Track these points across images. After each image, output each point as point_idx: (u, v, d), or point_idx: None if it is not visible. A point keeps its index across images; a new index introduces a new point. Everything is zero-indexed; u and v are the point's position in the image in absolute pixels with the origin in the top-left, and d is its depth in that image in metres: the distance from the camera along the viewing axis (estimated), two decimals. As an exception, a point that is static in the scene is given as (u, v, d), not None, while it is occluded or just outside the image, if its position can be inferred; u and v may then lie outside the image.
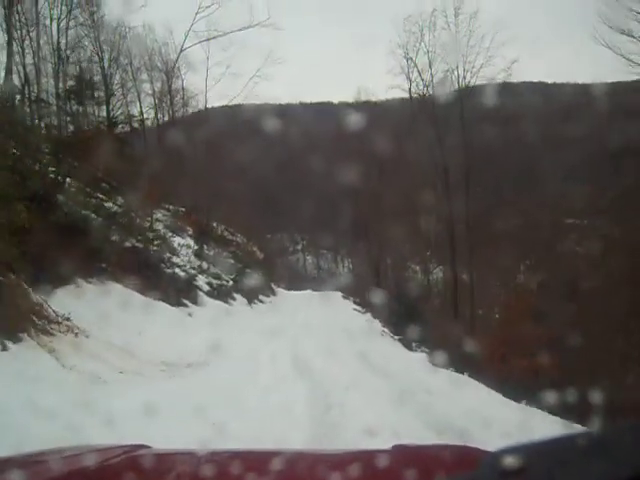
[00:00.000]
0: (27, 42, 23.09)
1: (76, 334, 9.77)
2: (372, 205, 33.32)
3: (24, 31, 22.99)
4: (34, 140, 15.42)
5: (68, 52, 24.57)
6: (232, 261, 27.05)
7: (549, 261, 27.23)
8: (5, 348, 7.61)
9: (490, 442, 0.96)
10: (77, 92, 24.33)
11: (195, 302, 19.37)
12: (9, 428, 4.82)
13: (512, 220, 31.63)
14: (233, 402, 7.64)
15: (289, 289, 38.61)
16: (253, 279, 26.82)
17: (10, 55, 20.23)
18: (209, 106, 31.48)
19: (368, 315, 26.69)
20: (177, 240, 22.85)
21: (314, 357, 13.16)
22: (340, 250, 55.64)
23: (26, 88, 22.71)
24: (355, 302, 31.22)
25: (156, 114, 30.91)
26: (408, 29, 31.01)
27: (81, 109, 25.22)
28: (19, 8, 22.34)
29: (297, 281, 44.89)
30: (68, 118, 24.09)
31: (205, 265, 23.37)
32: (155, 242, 19.74)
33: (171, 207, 25.82)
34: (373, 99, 37.15)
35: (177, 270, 19.81)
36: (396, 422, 7.05)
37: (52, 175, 14.57)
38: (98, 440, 3.63)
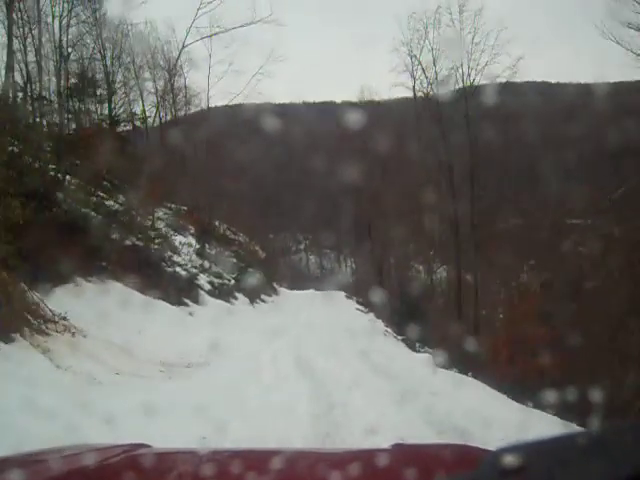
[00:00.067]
0: (29, 40, 23.07)
1: (73, 334, 9.62)
2: (375, 204, 33.22)
3: (26, 29, 22.95)
4: (35, 138, 15.33)
5: (70, 50, 24.49)
6: (234, 260, 26.93)
7: (552, 261, 27.10)
8: (-4, 348, 7.46)
9: (493, 444, 0.88)
10: (79, 90, 24.24)
11: (196, 301, 19.24)
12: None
13: (514, 220, 31.56)
14: (234, 403, 7.53)
15: (291, 288, 38.54)
16: (255, 278, 26.69)
17: (11, 53, 20.13)
18: (212, 105, 31.42)
19: (371, 315, 26.57)
20: (178, 239, 22.74)
21: (317, 357, 13.04)
22: (343, 250, 55.56)
23: (28, 86, 22.66)
24: (358, 302, 31.11)
25: (157, 112, 30.73)
26: (412, 26, 30.92)
27: (83, 107, 25.13)
28: (21, 6, 22.28)
29: (300, 280, 44.80)
30: (70, 116, 23.99)
31: (207, 264, 23.26)
32: (156, 241, 19.63)
33: (173, 206, 25.70)
34: (376, 98, 37.08)
35: (178, 269, 19.68)
36: (398, 422, 6.98)
37: (52, 173, 14.47)
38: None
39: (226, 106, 30.95)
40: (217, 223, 29.84)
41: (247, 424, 6.30)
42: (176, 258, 20.52)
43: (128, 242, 16.90)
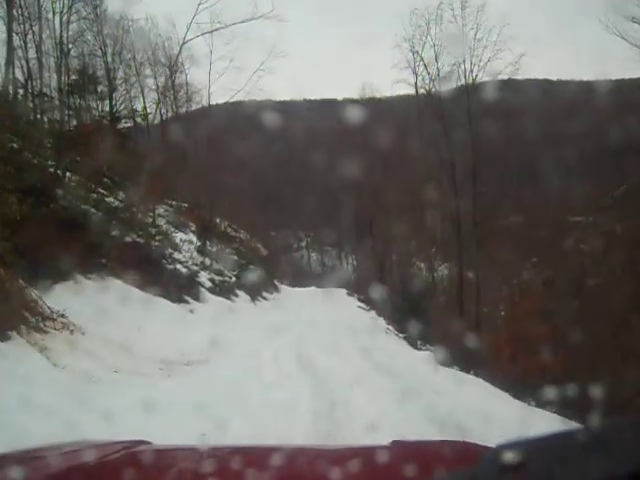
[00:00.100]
0: (30, 37, 23.05)
1: (72, 331, 9.52)
2: (377, 202, 33.16)
3: (27, 25, 22.92)
4: (36, 134, 15.28)
5: (70, 46, 24.44)
6: (235, 257, 26.88)
7: (554, 259, 27.05)
8: (-10, 346, 7.37)
9: (493, 441, 0.83)
10: (80, 86, 24.18)
11: (197, 298, 19.17)
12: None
13: (516, 217, 31.49)
14: (234, 401, 7.46)
15: (293, 286, 38.52)
16: (256, 276, 26.63)
17: (11, 49, 20.05)
18: (213, 102, 31.31)
19: (373, 312, 26.51)
20: (179, 236, 22.67)
21: (318, 355, 12.95)
22: (345, 247, 55.49)
23: (29, 83, 22.63)
24: (359, 299, 31.05)
25: (157, 108, 30.61)
26: (414, 22, 30.87)
27: (84, 104, 25.07)
28: (21, 2, 22.25)
29: (301, 278, 44.73)
30: (71, 112, 23.94)
31: (208, 261, 23.19)
32: (157, 238, 19.55)
33: (174, 203, 25.66)
34: (378, 95, 36.98)
35: (179, 266, 19.61)
36: (400, 420, 6.95)
37: (51, 169, 14.40)
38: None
39: (227, 103, 30.91)
40: (218, 220, 29.78)
41: (248, 423, 6.24)
42: (177, 255, 20.45)
43: (128, 239, 16.82)
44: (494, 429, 6.07)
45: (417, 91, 32.20)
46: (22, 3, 22.26)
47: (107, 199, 17.55)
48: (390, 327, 23.21)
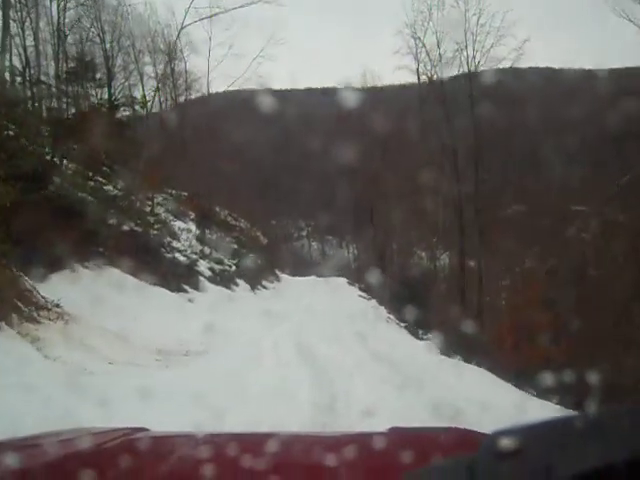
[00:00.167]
0: (27, 23, 22.78)
1: (66, 321, 9.35)
2: (378, 190, 32.99)
3: (24, 12, 22.65)
4: (33, 122, 15.10)
5: (68, 32, 24.17)
6: (235, 246, 26.73)
7: (556, 247, 26.99)
8: (-22, 337, 7.19)
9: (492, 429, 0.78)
10: (78, 73, 23.93)
11: (196, 287, 19.03)
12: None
13: (518, 205, 31.39)
14: (233, 393, 7.35)
15: (293, 275, 38.43)
16: (256, 264, 26.51)
17: (6, 35, 19.77)
18: (212, 91, 31.09)
19: (373, 301, 26.44)
20: (178, 224, 22.51)
21: (318, 344, 12.86)
22: (345, 236, 55.42)
23: (27, 70, 22.41)
24: (360, 288, 30.97)
25: (154, 95, 30.32)
26: (416, 8, 30.43)
27: (82, 91, 24.84)
28: (18, -12, 21.94)
29: (302, 267, 44.61)
30: (69, 100, 23.72)
31: (207, 250, 23.03)
32: (155, 226, 19.40)
33: (173, 191, 25.50)
34: (379, 83, 36.75)
35: (177, 255, 19.45)
36: (399, 408, 6.99)
37: (48, 157, 14.22)
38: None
39: (226, 92, 30.70)
40: (218, 209, 29.62)
41: (246, 414, 6.14)
42: (176, 244, 20.29)
43: (126, 227, 16.67)
44: (494, 419, 5.97)
45: (419, 77, 31.88)
46: (19, -11, 21.98)
47: (105, 187, 17.41)
48: (391, 316, 23.13)
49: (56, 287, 10.72)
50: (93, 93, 26.04)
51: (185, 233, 22.14)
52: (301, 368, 10.18)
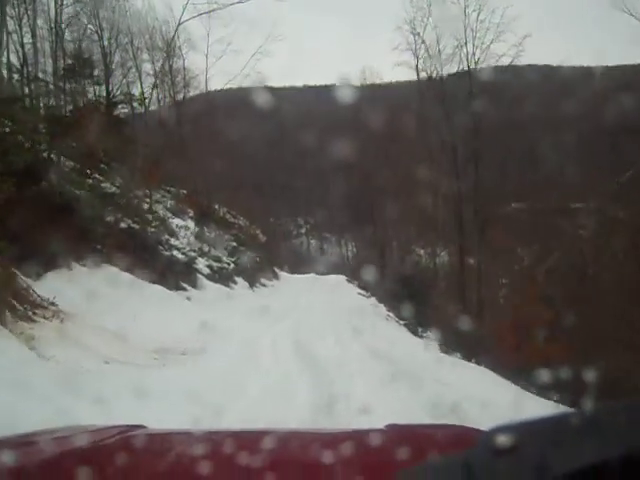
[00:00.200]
0: (25, 20, 22.70)
1: (62, 320, 9.24)
2: (377, 187, 32.96)
3: (21, 9, 22.57)
4: (30, 118, 15.00)
5: (65, 29, 24.09)
6: (234, 244, 26.64)
7: (556, 245, 27.02)
8: (-30, 337, 7.10)
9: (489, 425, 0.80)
10: (75, 70, 23.84)
11: (194, 285, 18.94)
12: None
13: (517, 203, 31.39)
14: (231, 392, 7.32)
15: (292, 273, 38.41)
16: (255, 262, 26.44)
17: (3, 32, 19.67)
18: (210, 88, 30.99)
19: (373, 299, 26.39)
20: (176, 222, 22.41)
21: (317, 342, 12.80)
22: (344, 234, 55.46)
23: (24, 67, 22.35)
24: (360, 286, 30.90)
25: (152, 92, 30.24)
26: (415, 4, 30.38)
27: (80, 88, 24.76)
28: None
29: (301, 265, 44.61)
30: (67, 97, 23.64)
31: (206, 248, 22.94)
32: (153, 224, 19.31)
33: (171, 189, 25.44)
34: (378, 81, 36.72)
35: (176, 252, 19.34)
36: (399, 407, 7.03)
37: (44, 153, 14.14)
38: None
39: (223, 90, 30.61)
40: (217, 206, 29.55)
41: (244, 415, 6.13)
42: (174, 241, 20.19)
43: (124, 225, 16.57)
44: (493, 416, 5.95)
45: (418, 74, 31.81)
46: (16, -14, 21.88)
47: (103, 184, 17.34)
48: (391, 314, 23.08)
49: (52, 285, 10.63)
50: (91, 90, 26.04)
51: (183, 231, 22.06)
52: (300, 366, 10.16)
